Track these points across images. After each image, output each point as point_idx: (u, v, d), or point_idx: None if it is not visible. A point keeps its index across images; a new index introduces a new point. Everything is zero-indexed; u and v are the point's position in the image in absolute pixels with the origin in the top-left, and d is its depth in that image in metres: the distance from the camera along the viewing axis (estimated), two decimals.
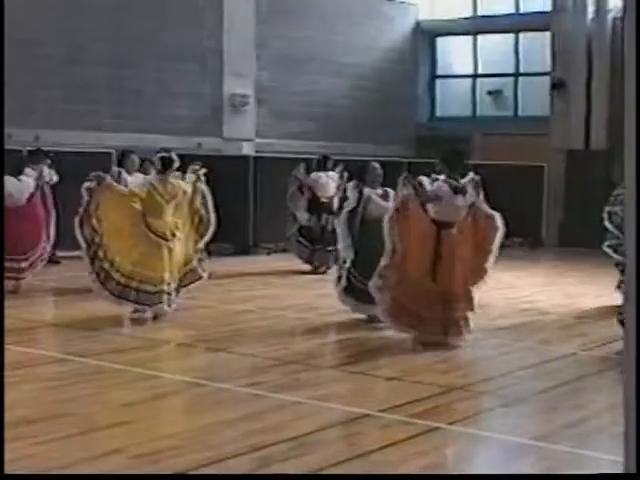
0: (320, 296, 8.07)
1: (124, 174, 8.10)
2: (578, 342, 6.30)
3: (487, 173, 9.82)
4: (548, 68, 14.09)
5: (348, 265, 6.74)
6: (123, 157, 8.53)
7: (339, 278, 6.89)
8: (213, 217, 7.00)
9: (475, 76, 15.45)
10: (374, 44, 14.67)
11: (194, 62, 12.44)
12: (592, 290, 8.77)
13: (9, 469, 2.75)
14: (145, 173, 8.10)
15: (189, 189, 6.90)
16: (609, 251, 7.58)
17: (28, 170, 8.49)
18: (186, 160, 7.22)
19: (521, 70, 14.98)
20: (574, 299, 8.38)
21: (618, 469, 2.10)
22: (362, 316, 6.78)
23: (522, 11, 14.97)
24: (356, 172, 7.02)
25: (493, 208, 6.21)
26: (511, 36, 14.94)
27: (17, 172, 8.11)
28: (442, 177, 6.01)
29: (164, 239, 6.68)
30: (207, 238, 7.05)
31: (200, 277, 7.02)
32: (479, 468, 3.80)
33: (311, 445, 3.79)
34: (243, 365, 5.43)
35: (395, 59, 15.03)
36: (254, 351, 5.72)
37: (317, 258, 9.93)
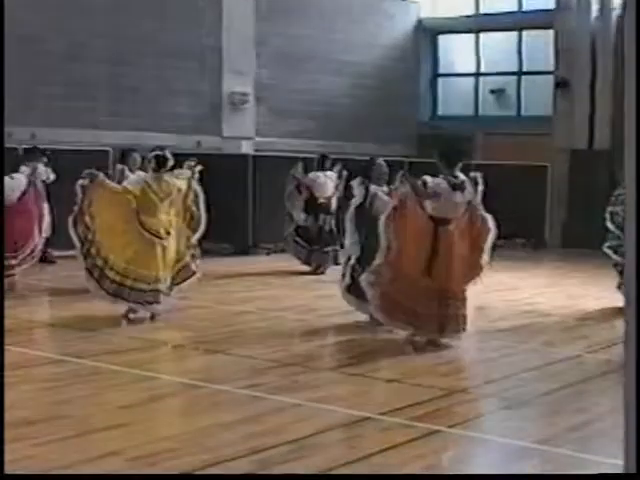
0: (320, 297, 8.05)
1: (127, 172, 8.11)
2: (581, 344, 6.27)
3: (489, 173, 9.74)
4: (551, 67, 14.02)
5: (352, 262, 6.71)
6: (125, 155, 8.57)
7: (343, 275, 6.86)
8: (204, 215, 7.00)
9: (477, 75, 15.37)
10: (375, 42, 14.60)
11: (193, 60, 12.39)
12: (594, 291, 8.74)
13: (9, 470, 2.78)
14: (147, 171, 8.08)
15: (184, 186, 6.89)
16: (609, 252, 7.55)
17: (23, 168, 8.46)
18: (185, 159, 7.19)
19: (524, 69, 14.90)
20: (576, 300, 8.35)
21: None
22: (363, 317, 6.71)
23: (525, 9, 14.89)
24: (362, 169, 6.98)
25: (493, 209, 6.20)
26: (514, 34, 14.87)
27: (12, 170, 8.08)
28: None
29: (158, 237, 6.67)
30: (199, 234, 7.04)
31: (193, 273, 7.00)
32: (480, 471, 3.77)
33: (311, 448, 3.78)
34: (241, 367, 5.40)
35: (396, 57, 14.95)
36: (253, 352, 5.68)
37: (315, 259, 9.89)
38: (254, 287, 8.86)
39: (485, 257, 6.08)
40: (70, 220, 6.64)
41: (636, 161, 1.89)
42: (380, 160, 6.94)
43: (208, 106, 12.66)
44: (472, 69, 15.38)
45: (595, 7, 13.48)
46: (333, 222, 9.89)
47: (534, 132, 13.78)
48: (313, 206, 9.84)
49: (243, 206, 11.74)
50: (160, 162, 6.71)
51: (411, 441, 3.88)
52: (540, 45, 14.58)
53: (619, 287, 7.14)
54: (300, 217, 9.87)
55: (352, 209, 6.73)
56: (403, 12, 15.14)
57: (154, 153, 6.80)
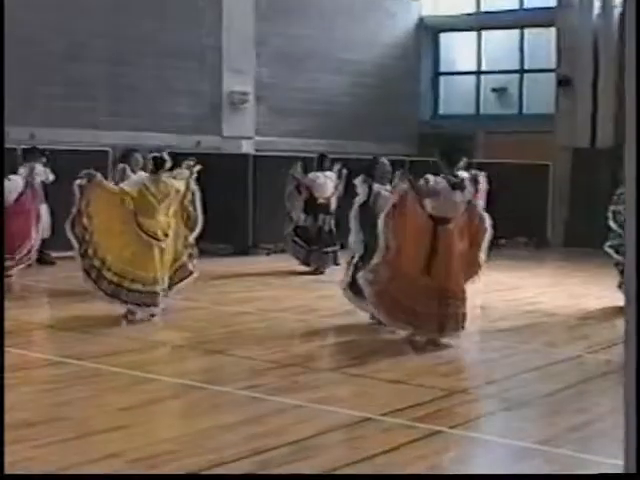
0: (320, 298, 8.03)
1: (128, 171, 8.14)
2: (582, 344, 6.25)
3: (491, 172, 9.68)
4: (553, 65, 13.98)
5: (356, 260, 6.70)
6: (126, 155, 8.59)
7: (346, 273, 6.86)
8: (200, 216, 6.99)
9: (479, 73, 15.32)
10: (375, 40, 14.56)
11: (193, 59, 12.37)
12: (596, 291, 8.71)
13: (8, 472, 2.78)
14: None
15: (182, 187, 6.89)
16: (610, 251, 7.54)
17: (21, 170, 8.44)
18: (185, 159, 7.18)
19: (526, 67, 14.85)
20: (578, 300, 8.33)
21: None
22: (365, 317, 6.67)
23: (527, 6, 14.84)
24: (365, 168, 6.98)
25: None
26: (516, 32, 14.82)
27: (10, 171, 8.06)
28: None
29: (155, 239, 6.66)
30: (196, 234, 7.03)
31: (190, 273, 6.99)
32: (481, 472, 3.76)
33: (312, 449, 3.77)
34: (242, 368, 5.39)
35: (397, 55, 14.91)
36: (253, 353, 5.65)
37: (314, 259, 9.85)
38: (254, 287, 8.84)
39: (482, 255, 6.08)
40: (68, 222, 6.64)
41: (636, 161, 1.88)
42: (383, 159, 6.93)
43: (208, 106, 12.62)
44: (473, 67, 15.34)
45: (597, 4, 13.42)
46: (333, 222, 9.88)
47: (536, 130, 13.72)
48: (312, 206, 9.81)
49: (243, 206, 11.70)
50: (158, 164, 6.72)
51: (413, 442, 3.87)
52: (542, 43, 14.54)
53: (620, 286, 7.11)
54: (299, 217, 9.83)
55: (356, 207, 6.74)
56: (404, 10, 15.09)
57: (152, 155, 6.80)
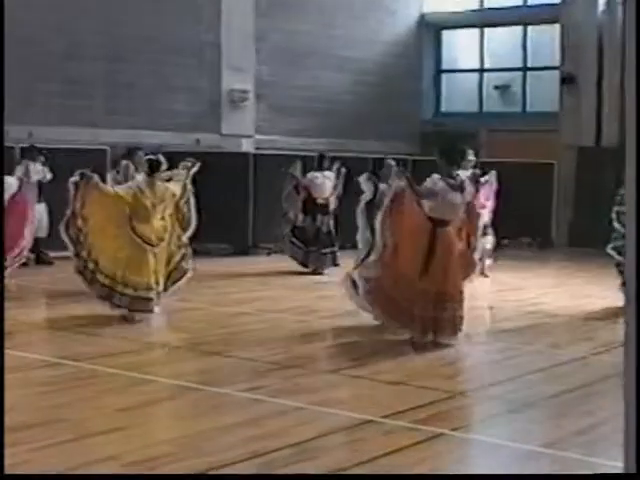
0: (320, 298, 7.99)
1: (132, 169, 8.18)
2: (587, 346, 6.22)
3: (494, 171, 9.60)
4: (557, 62, 13.90)
5: (362, 257, 6.68)
6: (130, 154, 8.61)
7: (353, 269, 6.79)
8: (194, 216, 6.97)
9: (482, 70, 15.23)
10: (376, 38, 14.49)
11: (192, 56, 12.32)
12: (600, 291, 8.66)
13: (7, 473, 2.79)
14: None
15: (178, 191, 6.86)
16: (613, 253, 7.50)
17: (18, 169, 8.39)
18: (184, 157, 7.17)
19: (529, 64, 14.77)
20: (582, 300, 8.29)
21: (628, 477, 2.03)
22: (366, 316, 6.55)
23: (530, 3, 14.80)
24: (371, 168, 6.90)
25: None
26: (519, 29, 14.73)
27: (8, 171, 7.99)
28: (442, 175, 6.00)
29: (149, 244, 6.64)
30: (189, 233, 7.01)
31: (184, 274, 6.97)
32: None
33: (313, 451, 3.75)
34: (241, 369, 5.36)
35: (399, 53, 14.84)
36: (252, 355, 5.61)
37: (312, 260, 9.80)
38: (253, 288, 8.80)
39: (476, 254, 6.10)
40: (62, 224, 6.64)
41: (636, 161, 1.85)
42: (390, 160, 6.87)
43: (207, 103, 12.56)
44: (476, 65, 15.26)
45: (601, 0, 13.29)
46: (332, 223, 9.82)
47: (540, 129, 13.65)
48: (311, 206, 9.75)
49: (243, 205, 11.65)
50: (153, 166, 6.68)
51: (415, 444, 3.84)
52: (546, 40, 14.46)
53: (623, 284, 7.02)
54: (297, 217, 9.77)
55: (362, 204, 6.66)
56: (405, 7, 15.02)
57: (147, 157, 6.79)
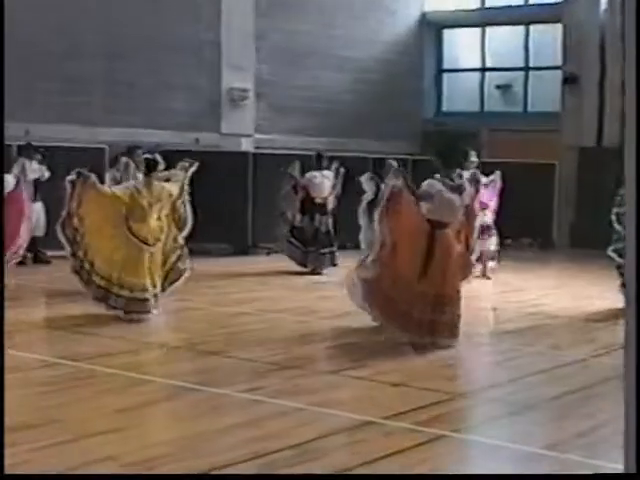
0: (320, 298, 7.98)
1: (132, 166, 8.17)
2: (588, 347, 6.20)
3: (495, 171, 9.55)
4: (559, 62, 13.86)
5: (364, 256, 6.55)
6: (130, 152, 8.63)
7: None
8: (190, 216, 6.96)
9: (483, 70, 15.20)
10: (376, 38, 14.47)
11: (192, 55, 12.27)
12: (601, 292, 8.63)
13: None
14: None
15: (175, 191, 6.83)
16: (614, 255, 7.48)
17: (14, 167, 8.37)
18: (183, 156, 7.20)
19: (531, 64, 14.73)
20: (583, 302, 8.28)
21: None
22: (366, 316, 6.51)
23: (532, 2, 14.76)
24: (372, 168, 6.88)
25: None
26: (521, 28, 14.70)
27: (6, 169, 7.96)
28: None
29: (146, 244, 6.62)
30: (185, 233, 6.99)
31: (181, 274, 6.96)
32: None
33: (314, 452, 3.74)
34: (241, 369, 5.35)
35: (400, 52, 14.81)
36: (252, 355, 5.58)
37: (310, 261, 9.77)
38: (253, 288, 8.77)
39: (474, 256, 6.12)
40: (59, 224, 6.63)
41: (636, 161, 1.85)
42: (391, 160, 6.88)
43: (207, 102, 12.53)
44: (478, 64, 15.22)
45: (604, 0, 13.24)
46: (330, 222, 9.76)
47: (541, 129, 13.61)
48: (309, 206, 9.72)
49: (242, 205, 11.63)
50: (150, 166, 6.66)
51: (416, 446, 3.83)
52: (547, 39, 14.42)
53: (623, 285, 6.98)
54: (295, 218, 9.73)
55: (364, 204, 6.63)
56: (405, 6, 14.99)
57: (144, 157, 6.80)
